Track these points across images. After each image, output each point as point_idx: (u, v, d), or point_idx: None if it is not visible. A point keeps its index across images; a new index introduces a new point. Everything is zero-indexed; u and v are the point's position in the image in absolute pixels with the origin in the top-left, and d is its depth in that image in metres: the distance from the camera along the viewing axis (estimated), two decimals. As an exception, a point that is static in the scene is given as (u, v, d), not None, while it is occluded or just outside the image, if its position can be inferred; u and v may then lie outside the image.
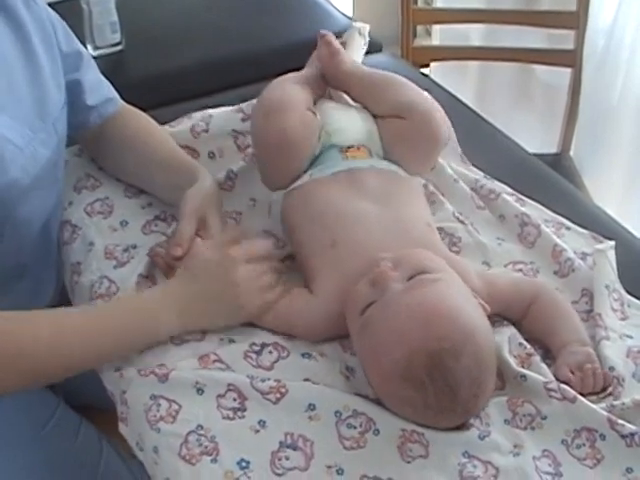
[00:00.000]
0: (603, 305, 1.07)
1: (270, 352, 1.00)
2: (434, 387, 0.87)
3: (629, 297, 1.12)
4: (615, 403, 0.94)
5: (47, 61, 1.14)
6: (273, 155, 1.16)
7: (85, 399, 1.26)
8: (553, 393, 0.94)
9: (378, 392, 0.94)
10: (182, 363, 0.97)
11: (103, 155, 1.32)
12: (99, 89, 1.28)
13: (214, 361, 0.98)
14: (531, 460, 0.89)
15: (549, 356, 1.02)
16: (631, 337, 1.04)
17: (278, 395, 0.93)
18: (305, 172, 1.15)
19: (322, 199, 1.11)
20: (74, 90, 1.22)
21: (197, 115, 1.38)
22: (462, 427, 0.92)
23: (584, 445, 0.91)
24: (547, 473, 0.89)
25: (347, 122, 1.20)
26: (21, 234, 1.13)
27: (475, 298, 0.96)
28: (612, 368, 0.98)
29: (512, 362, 0.98)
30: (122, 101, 1.32)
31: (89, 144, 1.34)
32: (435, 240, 1.10)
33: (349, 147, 1.17)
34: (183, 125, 1.36)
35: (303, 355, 1.00)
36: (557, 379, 0.96)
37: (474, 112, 1.67)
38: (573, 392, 0.94)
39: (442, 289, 0.93)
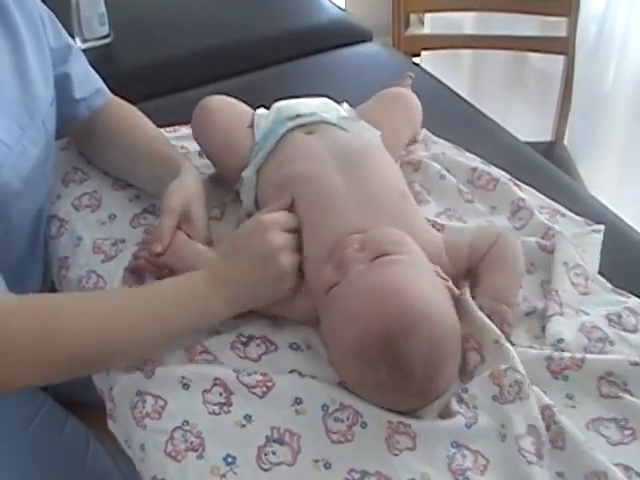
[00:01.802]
0: (561, 282, 1.07)
1: (258, 345, 0.99)
2: (386, 367, 0.86)
3: (597, 276, 1.12)
4: (554, 354, 0.97)
5: (35, 57, 1.13)
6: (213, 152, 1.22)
7: (75, 396, 1.26)
8: None
9: (338, 372, 0.94)
10: (168, 356, 0.97)
11: (91, 147, 1.31)
12: (87, 81, 1.27)
13: (200, 352, 0.97)
14: (514, 442, 0.88)
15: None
16: (587, 314, 1.05)
17: (264, 389, 0.92)
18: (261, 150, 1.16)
19: (293, 178, 1.10)
20: (62, 83, 1.21)
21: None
22: (448, 416, 0.91)
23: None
24: (530, 453, 0.88)
25: (297, 101, 1.24)
26: (12, 232, 1.13)
27: (442, 279, 0.96)
28: (561, 340, 0.99)
29: (489, 325, 0.97)
30: (110, 93, 1.31)
31: (77, 137, 1.33)
32: (409, 210, 1.08)
33: (296, 116, 1.18)
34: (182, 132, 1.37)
35: (291, 346, 1.00)
36: None
37: (465, 101, 1.66)
38: None
39: (401, 271, 0.93)
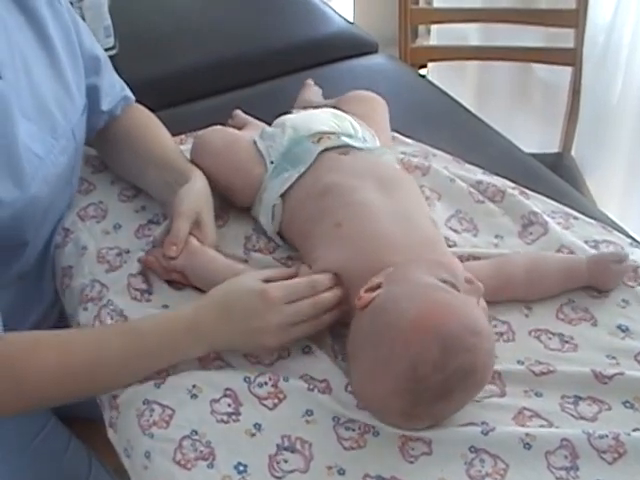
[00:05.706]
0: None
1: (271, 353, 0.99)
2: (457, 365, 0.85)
3: None
4: None
5: (69, 65, 1.13)
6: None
7: (75, 410, 1.24)
8: None
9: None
10: (182, 365, 0.96)
11: (106, 150, 1.32)
12: (113, 91, 1.27)
13: (214, 359, 0.97)
14: (543, 456, 0.87)
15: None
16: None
17: (276, 401, 0.92)
18: (287, 171, 1.14)
19: (325, 191, 1.09)
20: (92, 94, 1.21)
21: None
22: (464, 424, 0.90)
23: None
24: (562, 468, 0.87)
25: (310, 117, 1.23)
26: (35, 239, 1.13)
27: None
28: None
29: None
30: (133, 98, 1.31)
31: (94, 140, 1.32)
32: (440, 237, 1.09)
33: (317, 134, 1.16)
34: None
35: (303, 350, 0.99)
36: None
37: (471, 113, 1.65)
38: None
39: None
